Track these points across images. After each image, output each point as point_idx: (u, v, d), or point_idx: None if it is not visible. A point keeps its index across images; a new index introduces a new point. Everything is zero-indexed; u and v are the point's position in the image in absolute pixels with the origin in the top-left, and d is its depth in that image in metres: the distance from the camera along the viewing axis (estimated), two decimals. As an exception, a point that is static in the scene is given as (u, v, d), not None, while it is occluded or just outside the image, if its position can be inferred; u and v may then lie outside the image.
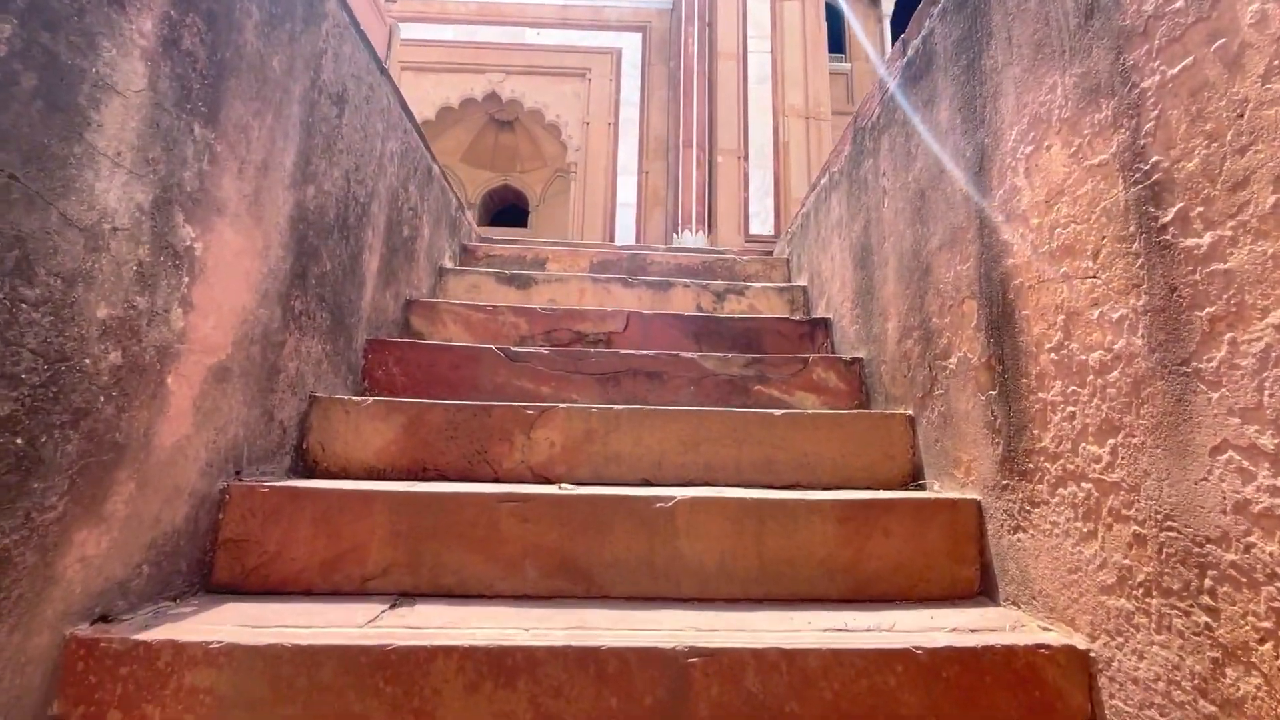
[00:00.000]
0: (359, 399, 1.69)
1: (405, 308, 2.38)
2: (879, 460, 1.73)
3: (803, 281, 2.92)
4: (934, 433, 1.63)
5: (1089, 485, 1.08)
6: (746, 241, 9.69)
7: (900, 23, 12.23)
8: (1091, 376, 1.08)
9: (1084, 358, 1.10)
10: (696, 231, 9.63)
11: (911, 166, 1.79)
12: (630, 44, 10.97)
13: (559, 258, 3.14)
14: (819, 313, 2.64)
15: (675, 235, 9.67)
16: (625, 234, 10.27)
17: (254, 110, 1.39)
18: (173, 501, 1.19)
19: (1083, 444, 1.10)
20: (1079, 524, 1.11)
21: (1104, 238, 1.06)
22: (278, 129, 1.49)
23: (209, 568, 1.29)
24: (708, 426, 1.72)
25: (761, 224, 9.74)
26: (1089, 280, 1.09)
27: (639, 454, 1.70)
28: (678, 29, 10.34)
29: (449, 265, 2.88)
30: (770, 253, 3.57)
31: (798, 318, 2.52)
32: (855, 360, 2.12)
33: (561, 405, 1.72)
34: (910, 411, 1.76)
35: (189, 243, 1.20)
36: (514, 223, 12.03)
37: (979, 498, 1.41)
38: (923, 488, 1.67)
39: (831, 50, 11.08)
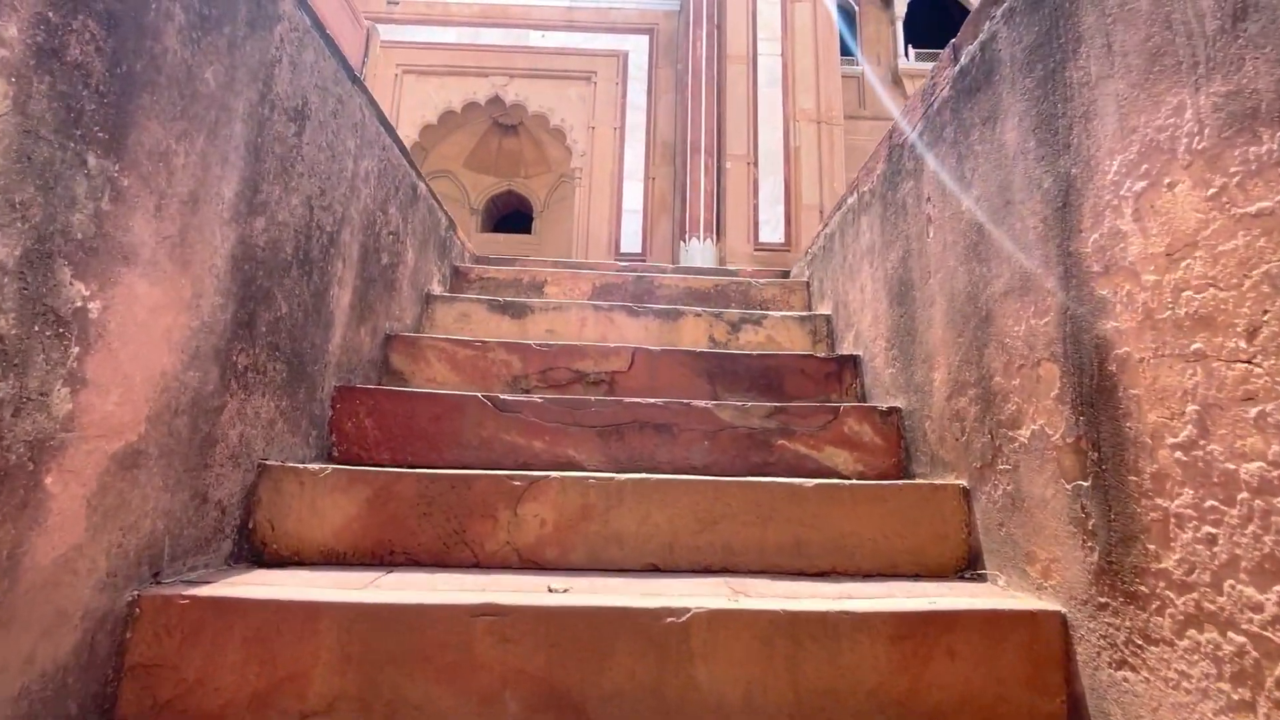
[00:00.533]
0: (316, 468, 1.44)
1: (385, 344, 2.13)
2: (929, 542, 1.46)
3: (826, 310, 2.65)
4: (997, 514, 1.37)
5: (1241, 639, 0.82)
6: (756, 250, 9.44)
7: (914, 25, 11.96)
8: (1245, 495, 0.81)
9: (1231, 468, 0.83)
10: (704, 240, 9.37)
11: (965, 193, 1.53)
12: (637, 47, 10.71)
13: (559, 281, 2.88)
14: (846, 347, 2.37)
15: (683, 243, 9.42)
16: (631, 241, 10.03)
17: (178, 133, 1.14)
18: (55, 632, 0.94)
19: (1230, 581, 0.83)
20: (1224, 686, 0.84)
21: (1265, 313, 0.79)
22: (213, 154, 1.24)
23: (111, 702, 1.04)
24: (727, 500, 1.46)
25: (771, 232, 9.46)
26: (1240, 366, 0.83)
27: (645, 534, 1.44)
28: (685, 31, 10.08)
29: (437, 292, 2.63)
30: (787, 273, 3.31)
31: (822, 354, 2.26)
32: (892, 410, 1.86)
33: (554, 475, 1.46)
34: (964, 483, 1.50)
35: (79, 303, 0.95)
36: (518, 229, 11.80)
37: (1063, 610, 1.15)
38: (982, 578, 1.41)
39: (841, 53, 10.80)
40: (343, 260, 1.81)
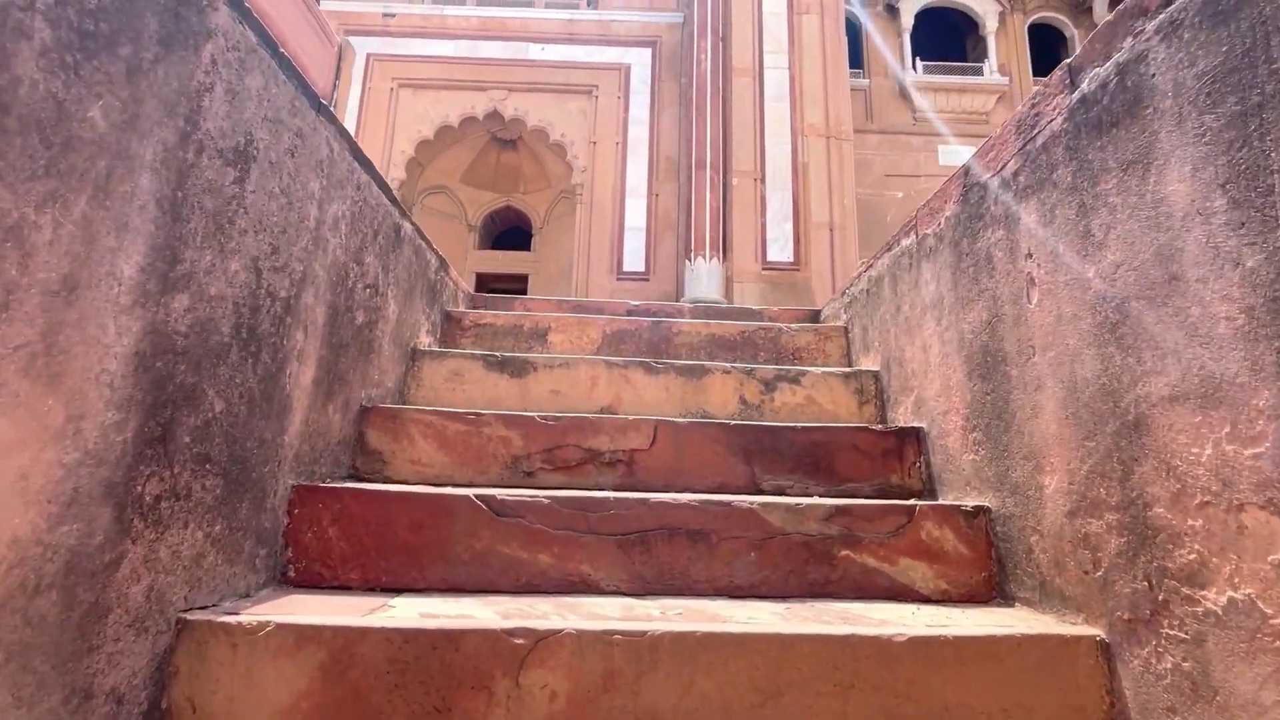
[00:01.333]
0: (254, 622, 1.09)
1: (360, 418, 1.79)
2: (1060, 717, 1.11)
3: (871, 364, 2.31)
4: (1164, 695, 1.02)
5: None
6: (764, 269, 9.13)
7: (921, 38, 11.72)
8: None
9: None
10: (710, 258, 9.06)
11: (1093, 256, 1.20)
12: (639, 60, 10.42)
13: (564, 328, 2.54)
14: (903, 415, 2.03)
15: (688, 262, 9.10)
16: (634, 260, 9.72)
17: (40, 197, 0.80)
18: None
19: None
20: None
21: None
22: (103, 220, 0.90)
23: None
24: (795, 663, 1.11)
25: (780, 250, 9.15)
26: None
27: (690, 709, 1.09)
28: (689, 44, 9.77)
29: (426, 345, 2.29)
30: (817, 314, 2.97)
31: (879, 427, 1.92)
32: (979, 511, 1.52)
33: (568, 630, 1.12)
34: (1102, 634, 1.15)
35: None
36: (517, 245, 11.50)
37: None
38: (1139, 773, 1.06)
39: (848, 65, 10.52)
40: (304, 329, 1.47)
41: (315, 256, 1.50)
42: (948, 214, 1.77)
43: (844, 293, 2.67)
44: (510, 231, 12.05)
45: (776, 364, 2.52)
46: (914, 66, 11.24)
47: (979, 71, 11.33)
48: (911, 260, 2.00)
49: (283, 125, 1.34)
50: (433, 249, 2.36)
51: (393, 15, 10.19)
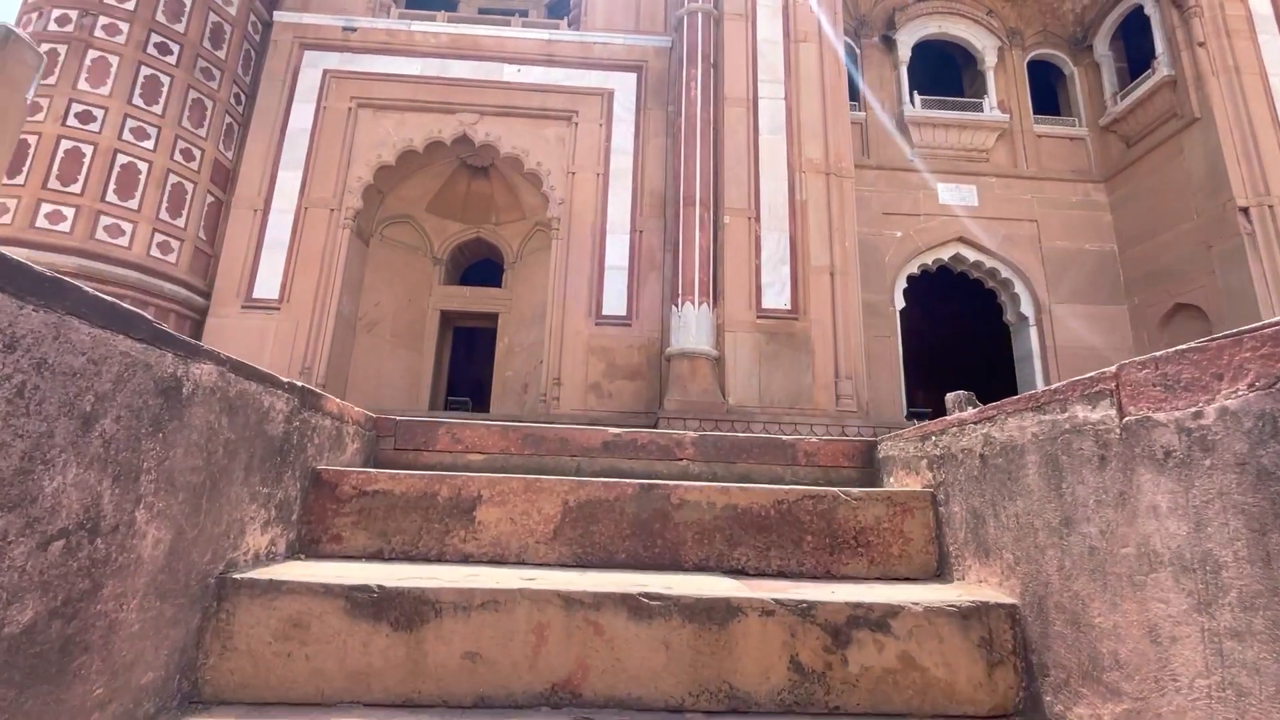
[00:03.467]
0: None
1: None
2: None
3: (996, 587, 1.43)
4: None
5: None
6: (759, 317, 8.28)
7: (918, 69, 11.16)
8: None
9: None
10: (699, 305, 8.19)
11: None
12: (623, 85, 9.60)
13: (503, 497, 1.62)
14: (1085, 711, 1.15)
15: (674, 308, 8.23)
16: (615, 302, 8.82)
17: None
18: None
19: None
20: None
21: None
22: None
23: None
24: None
25: (776, 296, 8.27)
26: None
27: None
28: (678, 70, 8.93)
29: (248, 570, 1.35)
30: (872, 451, 2.09)
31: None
32: None
33: None
34: None
35: None
36: (487, 281, 10.56)
37: None
38: None
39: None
40: None
41: None
42: (1228, 404, 0.90)
43: (929, 436, 1.79)
44: (480, 265, 11.13)
45: (831, 552, 1.64)
46: (912, 100, 10.65)
47: (978, 107, 10.78)
48: (1105, 453, 1.13)
49: None
50: (283, 386, 1.44)
51: (354, 29, 9.32)
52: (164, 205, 7.71)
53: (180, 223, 7.88)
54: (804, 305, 8.21)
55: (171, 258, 7.77)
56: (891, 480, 1.99)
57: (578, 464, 1.98)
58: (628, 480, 1.67)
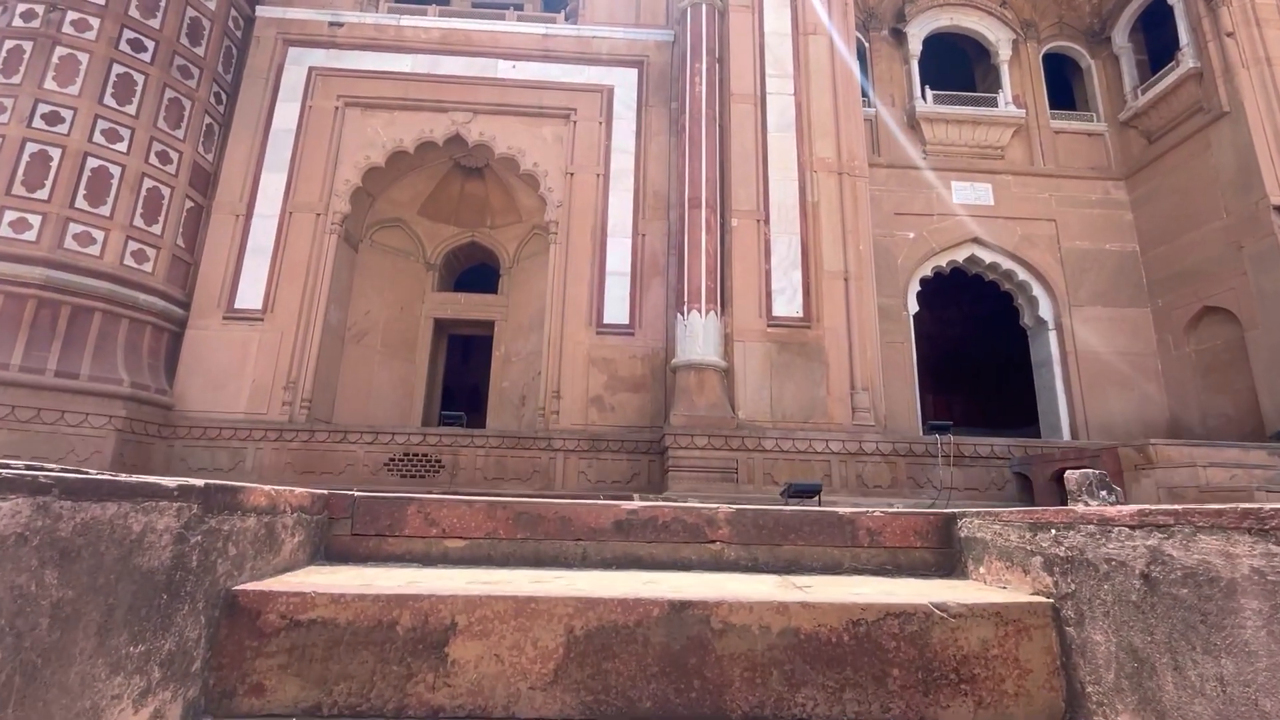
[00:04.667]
0: None
1: None
2: None
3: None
4: None
5: None
6: (770, 325, 7.83)
7: (930, 64, 10.73)
8: None
9: None
10: (706, 313, 7.74)
11: None
12: (624, 81, 9.12)
13: (485, 625, 1.20)
14: None
15: (680, 316, 7.79)
16: (616, 310, 8.38)
17: None
18: None
19: None
20: None
21: None
22: None
23: None
24: None
25: (787, 303, 7.80)
26: None
27: None
28: (681, 65, 8.43)
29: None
30: (949, 527, 1.68)
31: None
32: None
33: None
34: None
35: None
36: (482, 287, 10.13)
37: None
38: None
39: (856, 93, 9.42)
40: None
41: None
42: None
43: (1044, 528, 1.38)
44: (475, 270, 10.70)
45: (926, 691, 1.23)
46: (923, 96, 10.22)
47: (993, 102, 10.35)
48: None
49: None
50: (165, 496, 1.02)
51: (340, 24, 8.88)
52: (138, 211, 7.27)
53: (156, 229, 7.44)
54: (817, 312, 7.79)
55: (147, 267, 7.33)
56: (983, 571, 1.58)
57: (583, 551, 1.57)
58: (651, 599, 1.24)
